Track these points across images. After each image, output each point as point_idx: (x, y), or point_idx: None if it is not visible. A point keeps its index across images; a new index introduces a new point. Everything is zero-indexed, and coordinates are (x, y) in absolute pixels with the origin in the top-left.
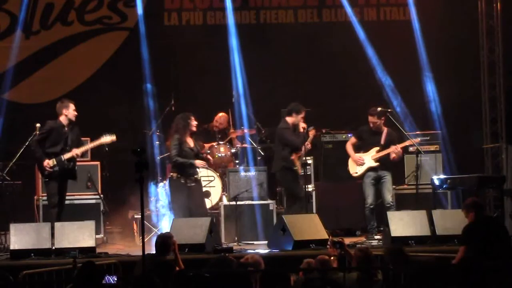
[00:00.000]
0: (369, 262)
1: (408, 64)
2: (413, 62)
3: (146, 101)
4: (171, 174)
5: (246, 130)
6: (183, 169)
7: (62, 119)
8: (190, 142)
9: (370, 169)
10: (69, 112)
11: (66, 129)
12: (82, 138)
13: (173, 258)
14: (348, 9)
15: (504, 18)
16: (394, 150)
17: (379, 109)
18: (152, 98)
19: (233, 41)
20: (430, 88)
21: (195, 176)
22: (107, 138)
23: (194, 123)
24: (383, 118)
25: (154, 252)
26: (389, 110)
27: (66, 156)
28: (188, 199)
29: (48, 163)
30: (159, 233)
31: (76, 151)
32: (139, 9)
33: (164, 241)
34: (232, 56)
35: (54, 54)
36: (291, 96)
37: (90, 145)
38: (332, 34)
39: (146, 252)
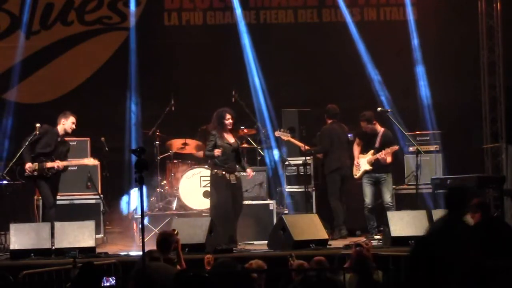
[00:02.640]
0: (366, 263)
1: (408, 64)
2: (413, 62)
3: (129, 107)
4: (215, 170)
5: (278, 133)
6: (223, 165)
7: (59, 128)
8: (229, 137)
9: (367, 171)
10: (66, 122)
11: (59, 138)
12: (82, 138)
13: (175, 257)
14: (344, 10)
15: (504, 18)
16: (379, 157)
17: (378, 109)
18: (135, 105)
19: (245, 39)
20: (423, 88)
21: (236, 173)
22: (90, 161)
23: (226, 122)
24: (374, 122)
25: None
26: (389, 110)
27: (48, 165)
28: (232, 196)
29: (30, 166)
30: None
31: (59, 163)
32: (132, 7)
33: (165, 238)
34: (246, 54)
35: (54, 54)
36: (291, 96)
37: (73, 162)
38: (332, 34)
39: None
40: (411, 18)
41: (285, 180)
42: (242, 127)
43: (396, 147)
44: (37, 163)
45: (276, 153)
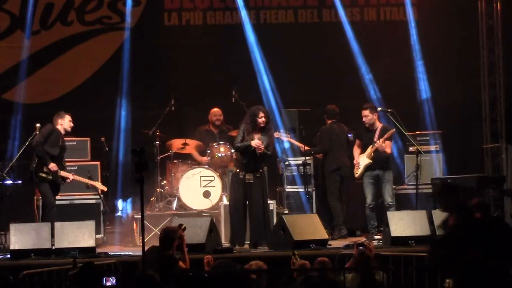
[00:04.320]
0: (367, 263)
1: (408, 64)
2: (413, 62)
3: (119, 113)
4: (233, 168)
5: (278, 134)
6: (242, 164)
7: (59, 128)
8: (256, 136)
9: (368, 168)
10: (64, 122)
11: (61, 139)
12: (82, 138)
13: (180, 254)
14: (341, 11)
15: (504, 18)
16: (377, 145)
17: (379, 109)
18: (126, 112)
19: (251, 39)
20: (423, 87)
21: (256, 173)
22: (99, 185)
23: (259, 120)
24: (376, 113)
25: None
26: (389, 110)
27: (63, 174)
28: (245, 195)
29: (54, 166)
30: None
31: (72, 177)
32: (128, 6)
33: (167, 235)
34: (253, 54)
35: (54, 54)
36: (291, 96)
37: (84, 180)
38: (332, 34)
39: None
40: (411, 18)
41: (285, 180)
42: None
43: (392, 130)
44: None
45: (287, 145)
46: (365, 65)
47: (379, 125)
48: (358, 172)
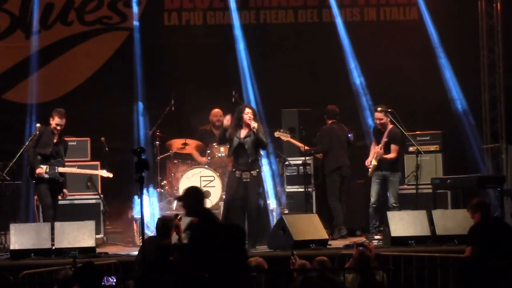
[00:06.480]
0: (367, 263)
1: (408, 63)
2: (413, 61)
3: (137, 118)
4: (231, 167)
5: (278, 133)
6: (236, 162)
7: (52, 125)
8: (242, 133)
9: (376, 167)
10: (52, 122)
11: (55, 134)
12: (82, 138)
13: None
14: (335, 10)
15: (504, 18)
16: (374, 151)
17: (379, 109)
18: (143, 116)
19: (240, 42)
20: (452, 85)
21: (252, 172)
22: (104, 173)
23: (245, 116)
24: (388, 115)
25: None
26: (389, 110)
27: (61, 170)
28: (242, 194)
29: (41, 172)
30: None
31: (71, 170)
32: (135, 7)
33: (164, 224)
34: (240, 57)
35: (54, 54)
36: (291, 96)
37: (87, 171)
38: (332, 34)
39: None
40: (427, 17)
41: (285, 180)
42: None
43: (385, 140)
44: (48, 166)
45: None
46: (364, 65)
47: (389, 127)
48: (370, 172)
